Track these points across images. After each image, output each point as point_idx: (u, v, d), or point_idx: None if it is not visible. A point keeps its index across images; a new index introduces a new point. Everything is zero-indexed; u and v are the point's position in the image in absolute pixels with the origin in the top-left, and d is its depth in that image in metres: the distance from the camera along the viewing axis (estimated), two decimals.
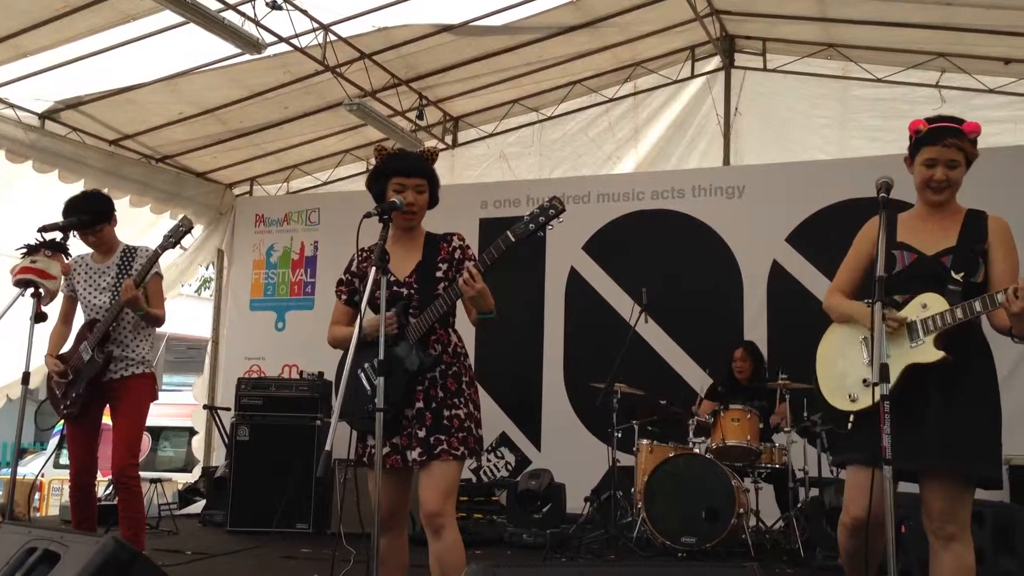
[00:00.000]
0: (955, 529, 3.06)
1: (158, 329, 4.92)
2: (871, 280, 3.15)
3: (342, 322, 3.56)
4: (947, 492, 3.06)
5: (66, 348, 4.86)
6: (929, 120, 3.28)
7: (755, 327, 8.14)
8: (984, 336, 3.21)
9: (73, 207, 4.74)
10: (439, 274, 3.41)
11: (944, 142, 3.19)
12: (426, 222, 3.59)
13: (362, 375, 3.36)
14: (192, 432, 12.00)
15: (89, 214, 4.73)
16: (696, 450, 6.58)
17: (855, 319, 3.33)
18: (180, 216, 4.90)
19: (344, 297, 3.58)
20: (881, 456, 2.96)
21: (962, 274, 3.14)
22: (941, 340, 3.07)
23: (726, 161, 8.95)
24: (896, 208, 3.36)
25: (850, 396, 3.26)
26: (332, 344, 3.55)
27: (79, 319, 4.93)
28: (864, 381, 3.20)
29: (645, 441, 6.75)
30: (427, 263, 3.44)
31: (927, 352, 3.09)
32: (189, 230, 4.69)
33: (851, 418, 3.24)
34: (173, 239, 4.62)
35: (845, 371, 3.32)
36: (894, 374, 3.06)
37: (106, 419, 4.85)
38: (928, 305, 3.13)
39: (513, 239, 3.19)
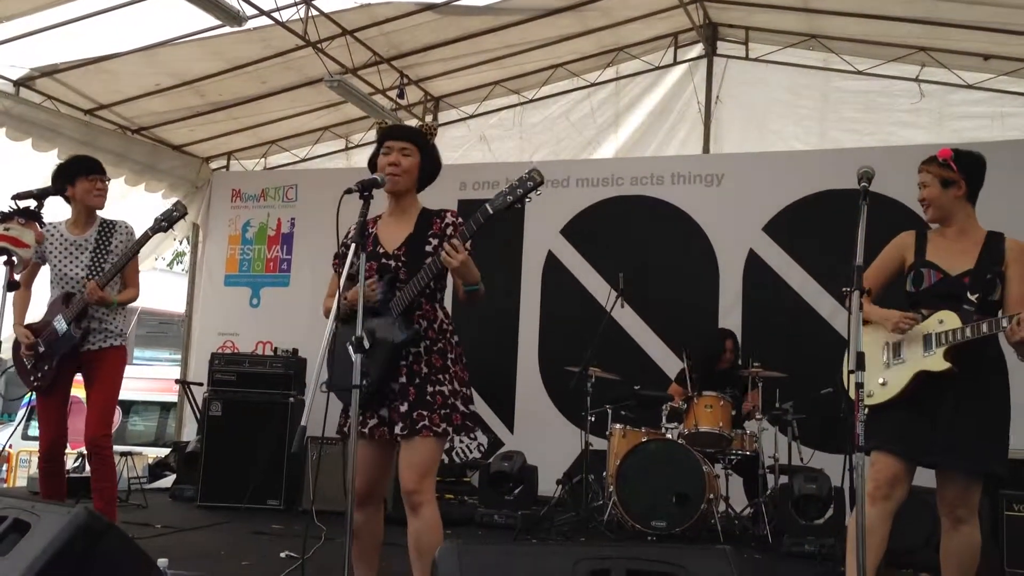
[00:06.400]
0: (964, 512, 3.50)
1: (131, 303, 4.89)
2: (895, 290, 3.65)
3: (335, 295, 3.54)
4: (958, 483, 3.49)
5: (32, 317, 4.80)
6: None
7: (730, 315, 8.18)
8: (1000, 350, 3.53)
9: (81, 158, 4.79)
10: (428, 248, 3.40)
11: (919, 169, 3.69)
12: None
13: (349, 347, 3.35)
14: (164, 406, 11.98)
15: (99, 162, 4.78)
16: (668, 435, 6.63)
17: (879, 321, 3.67)
18: (174, 201, 4.83)
19: (339, 270, 3.56)
20: (895, 445, 3.48)
21: (977, 295, 3.50)
22: (951, 353, 3.42)
23: (706, 149, 8.97)
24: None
25: (868, 393, 3.58)
26: (325, 315, 3.53)
27: (38, 287, 4.89)
28: (881, 382, 3.60)
29: (618, 425, 6.78)
30: (417, 236, 3.44)
31: (936, 362, 3.45)
32: (183, 215, 4.64)
33: (865, 411, 3.57)
34: (165, 223, 4.55)
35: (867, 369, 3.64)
36: (905, 377, 3.52)
37: (74, 391, 4.82)
38: (944, 321, 3.48)
39: (491, 211, 3.21)
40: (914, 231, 3.78)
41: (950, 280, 3.53)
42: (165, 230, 4.60)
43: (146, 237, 4.59)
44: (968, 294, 3.48)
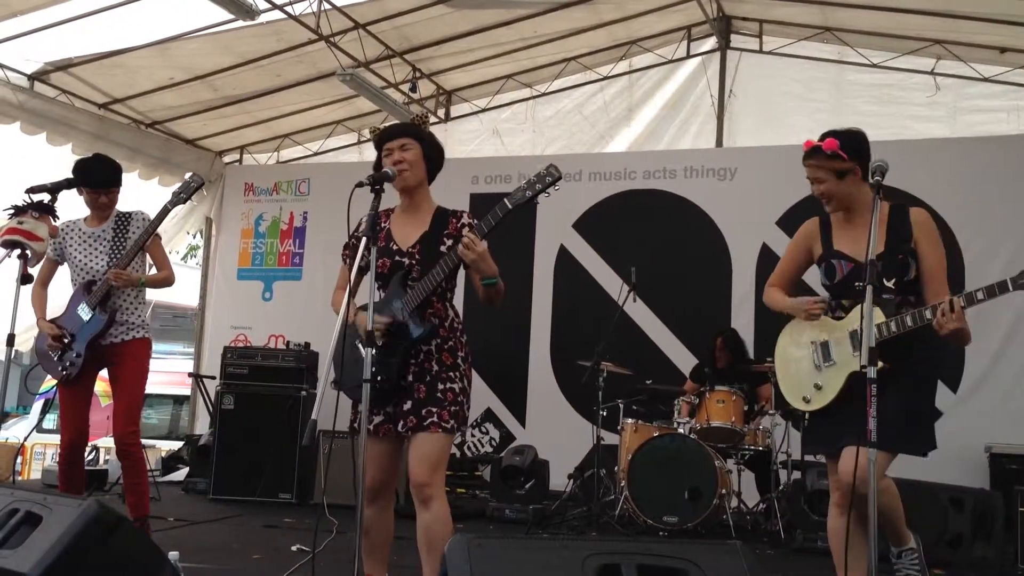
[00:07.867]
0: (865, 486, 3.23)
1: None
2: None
3: (345, 287, 3.53)
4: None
5: (53, 312, 4.81)
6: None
7: (743, 309, 8.15)
8: (927, 334, 3.27)
9: (89, 167, 4.70)
10: (443, 248, 3.40)
11: (804, 163, 3.49)
12: None
13: (359, 344, 3.35)
14: (177, 399, 12.03)
15: (109, 174, 4.71)
16: (680, 430, 6.61)
17: (790, 311, 3.61)
18: (188, 174, 4.86)
19: (349, 261, 3.54)
20: (839, 445, 3.27)
21: (893, 280, 3.35)
22: (878, 348, 3.19)
23: (719, 143, 8.93)
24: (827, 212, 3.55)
25: (804, 398, 3.51)
26: (334, 308, 3.51)
27: (56, 286, 4.89)
28: (816, 385, 3.47)
29: (630, 420, 6.77)
30: (432, 235, 3.44)
31: None
32: (200, 186, 4.71)
33: (806, 416, 3.54)
34: (184, 195, 4.58)
35: (798, 374, 3.56)
36: (839, 380, 3.37)
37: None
38: None
39: (511, 206, 3.21)
40: (817, 218, 3.64)
41: (862, 268, 3.27)
42: (184, 202, 4.63)
43: (165, 211, 4.60)
44: (884, 280, 3.32)
